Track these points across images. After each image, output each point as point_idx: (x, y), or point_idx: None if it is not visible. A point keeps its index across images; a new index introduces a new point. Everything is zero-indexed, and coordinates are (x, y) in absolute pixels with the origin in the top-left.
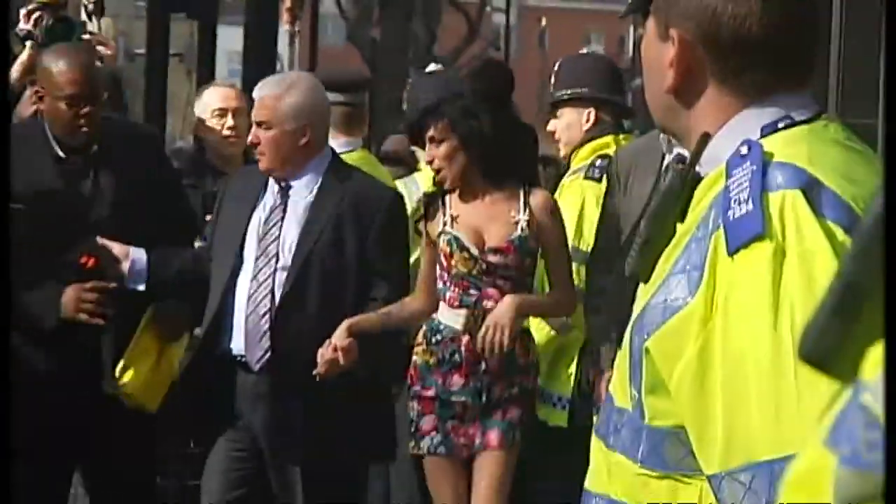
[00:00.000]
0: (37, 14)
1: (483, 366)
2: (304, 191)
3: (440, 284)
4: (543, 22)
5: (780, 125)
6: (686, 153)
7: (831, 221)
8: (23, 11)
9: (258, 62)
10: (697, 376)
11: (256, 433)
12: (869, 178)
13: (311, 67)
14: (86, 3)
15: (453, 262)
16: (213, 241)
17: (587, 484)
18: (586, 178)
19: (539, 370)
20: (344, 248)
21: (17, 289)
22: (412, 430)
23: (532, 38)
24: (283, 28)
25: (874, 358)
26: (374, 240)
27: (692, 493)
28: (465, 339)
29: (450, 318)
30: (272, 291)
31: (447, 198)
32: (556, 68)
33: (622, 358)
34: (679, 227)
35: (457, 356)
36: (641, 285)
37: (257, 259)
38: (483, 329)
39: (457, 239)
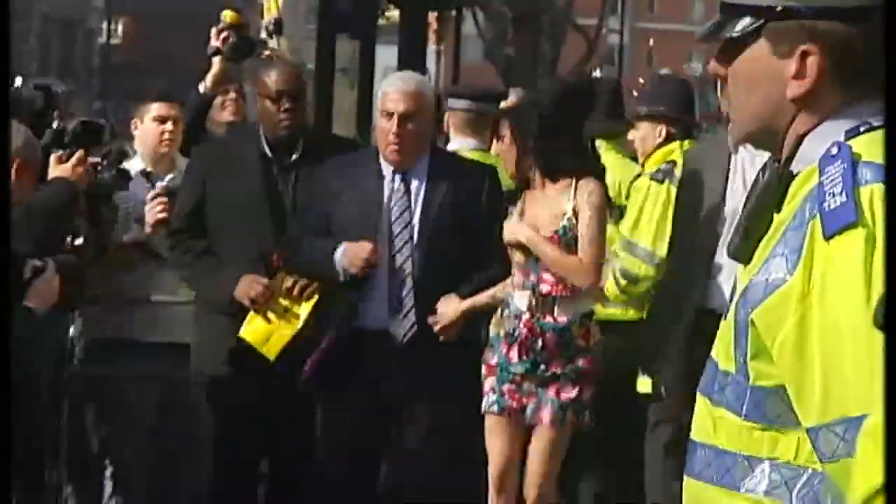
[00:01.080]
0: (224, 33)
1: (540, 343)
2: (421, 175)
3: (512, 268)
4: (651, 42)
5: (862, 129)
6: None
7: None
8: (213, 30)
9: None
10: (797, 343)
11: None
12: None
13: (454, 80)
14: (267, 24)
15: (513, 252)
16: (333, 226)
17: (693, 435)
18: (651, 178)
19: (602, 353)
20: (461, 222)
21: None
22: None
23: (642, 56)
24: (431, 47)
25: None
26: (484, 208)
27: (790, 443)
28: (526, 317)
29: (518, 298)
30: (412, 271)
31: (523, 193)
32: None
33: (726, 328)
34: (776, 216)
35: (517, 332)
36: (741, 267)
37: (393, 240)
38: (510, 230)
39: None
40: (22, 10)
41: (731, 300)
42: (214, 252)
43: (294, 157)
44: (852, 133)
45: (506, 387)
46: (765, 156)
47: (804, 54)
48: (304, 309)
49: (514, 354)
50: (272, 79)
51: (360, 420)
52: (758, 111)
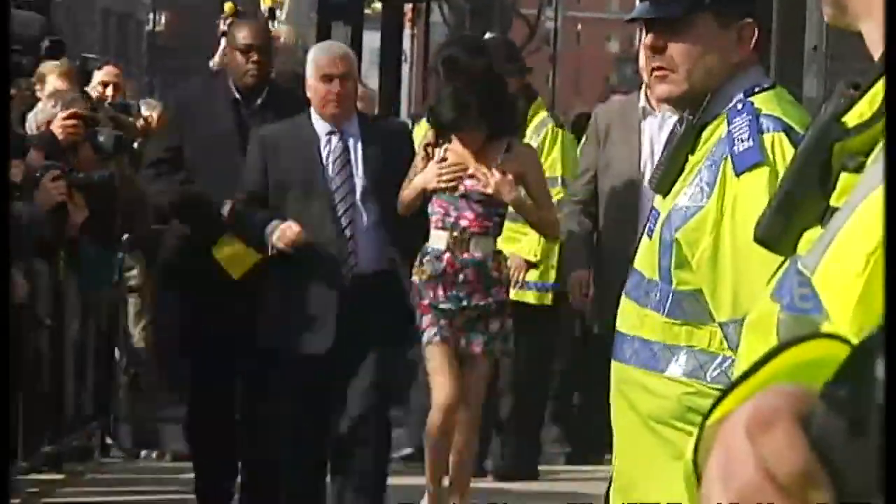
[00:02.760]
0: (229, 20)
1: (461, 277)
2: (356, 134)
3: (429, 208)
4: (579, 27)
5: (756, 89)
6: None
7: None
8: (221, 20)
9: (389, 56)
10: (713, 256)
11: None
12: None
13: (425, 58)
14: (265, 11)
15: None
16: (274, 184)
17: (621, 328)
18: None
19: (510, 283)
20: (393, 175)
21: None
22: (420, 332)
23: (571, 39)
24: (406, 32)
25: (806, 239)
26: (408, 162)
27: (704, 335)
28: (447, 256)
29: (435, 239)
30: (356, 223)
31: (444, 144)
32: None
33: (650, 246)
34: (690, 158)
35: (440, 270)
36: (659, 198)
37: (335, 192)
38: (485, 175)
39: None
40: (85, 5)
41: (651, 224)
42: (192, 182)
43: (259, 102)
44: (750, 92)
45: (442, 321)
46: (672, 120)
47: (745, 26)
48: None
49: (440, 293)
50: (241, 34)
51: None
52: (700, 75)
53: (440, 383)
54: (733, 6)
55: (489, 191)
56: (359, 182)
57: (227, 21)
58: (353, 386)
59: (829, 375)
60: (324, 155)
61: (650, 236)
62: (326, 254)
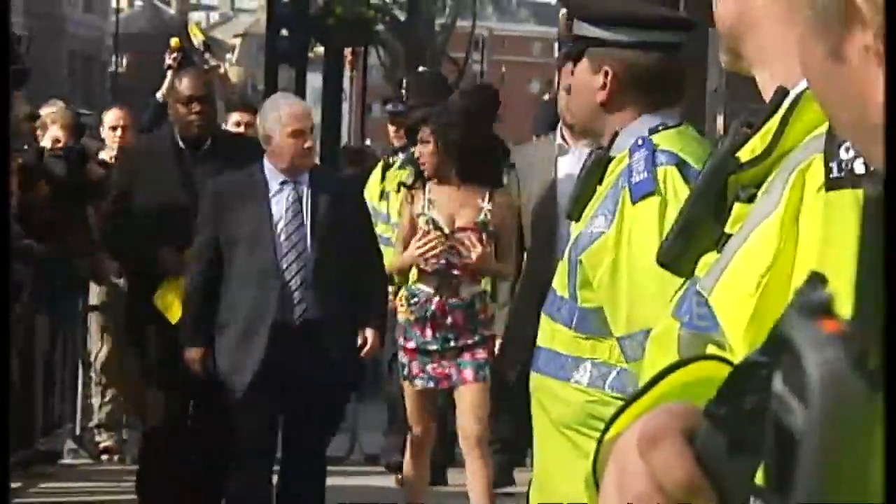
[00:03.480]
0: (174, 55)
1: (449, 320)
2: (306, 186)
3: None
4: (503, 69)
5: (660, 128)
6: (585, 150)
7: (693, 185)
8: (167, 54)
9: (331, 94)
10: (612, 277)
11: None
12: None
13: (363, 98)
14: (198, 46)
15: (429, 239)
16: (235, 232)
17: (538, 342)
18: None
19: (496, 322)
20: (342, 225)
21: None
22: (405, 373)
23: (497, 80)
24: (346, 73)
25: (703, 263)
26: (359, 211)
27: (605, 348)
28: (436, 299)
29: (424, 283)
30: (305, 272)
31: (427, 186)
32: None
33: (563, 267)
34: (599, 188)
35: (428, 312)
36: (573, 223)
37: (285, 240)
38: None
39: (433, 220)
40: (54, 48)
41: (563, 247)
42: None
43: (203, 149)
44: (653, 130)
45: (429, 367)
46: (585, 153)
47: (606, 73)
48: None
49: (428, 333)
50: (183, 85)
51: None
52: (580, 112)
53: (416, 426)
54: (601, 54)
55: (473, 260)
56: (309, 232)
57: (173, 56)
58: (295, 438)
59: (711, 394)
60: (274, 205)
61: (562, 258)
62: (274, 300)
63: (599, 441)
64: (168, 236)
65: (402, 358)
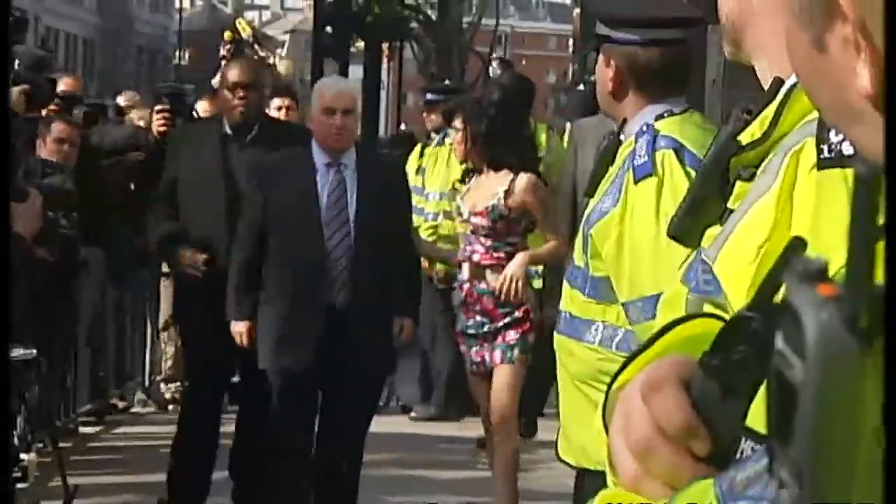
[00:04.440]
0: (227, 46)
1: (479, 305)
2: (352, 168)
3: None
4: (524, 62)
5: (665, 115)
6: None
7: (690, 168)
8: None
9: (370, 85)
10: (617, 250)
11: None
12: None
13: (399, 88)
14: (247, 38)
15: (458, 225)
16: (269, 213)
17: (560, 306)
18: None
19: (532, 302)
20: (386, 209)
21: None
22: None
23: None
24: (384, 66)
25: (708, 235)
26: (403, 196)
27: (613, 312)
28: (466, 286)
29: (462, 270)
30: (347, 254)
31: (472, 177)
32: None
33: (578, 239)
34: (611, 168)
35: (461, 299)
36: (588, 199)
37: (331, 222)
38: (501, 279)
39: (459, 207)
40: (123, 44)
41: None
42: (182, 224)
43: (250, 137)
44: (659, 117)
45: (474, 350)
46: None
47: (613, 66)
48: None
49: (465, 317)
50: (231, 73)
51: (304, 376)
52: (600, 100)
53: (480, 399)
54: (609, 50)
55: (502, 292)
56: (352, 213)
57: (227, 47)
58: (332, 416)
59: (705, 348)
60: (320, 186)
61: (580, 231)
62: (319, 281)
63: (607, 391)
64: (215, 221)
65: (459, 341)
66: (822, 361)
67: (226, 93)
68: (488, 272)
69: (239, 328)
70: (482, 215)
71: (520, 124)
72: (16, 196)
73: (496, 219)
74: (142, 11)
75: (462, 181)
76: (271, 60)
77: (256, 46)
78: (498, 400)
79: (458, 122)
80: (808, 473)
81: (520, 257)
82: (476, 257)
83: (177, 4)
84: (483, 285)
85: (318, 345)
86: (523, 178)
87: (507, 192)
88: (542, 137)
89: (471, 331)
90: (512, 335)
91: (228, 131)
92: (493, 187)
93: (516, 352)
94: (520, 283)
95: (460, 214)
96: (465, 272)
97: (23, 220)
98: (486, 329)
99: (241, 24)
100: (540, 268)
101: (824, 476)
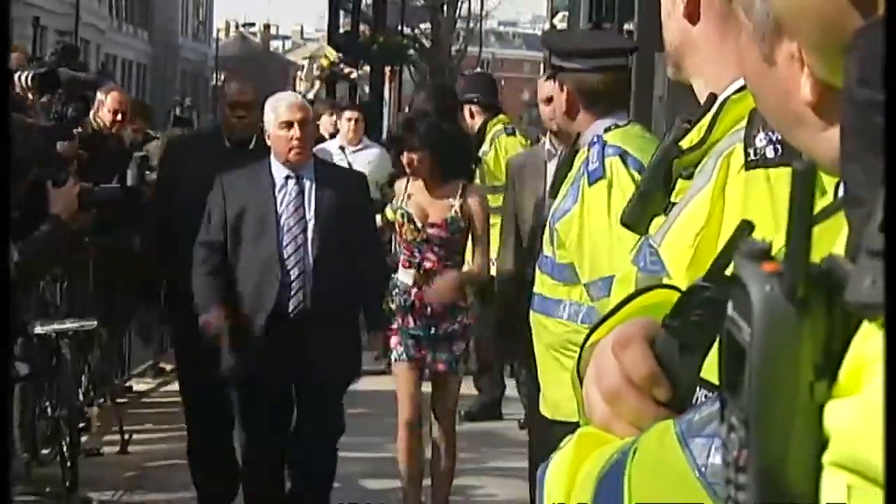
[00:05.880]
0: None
1: (429, 309)
2: (311, 178)
3: (396, 248)
4: (502, 83)
5: (612, 127)
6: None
7: (633, 170)
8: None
9: (375, 102)
10: (578, 240)
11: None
12: (653, 149)
13: (399, 105)
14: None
15: (404, 231)
16: (242, 222)
17: (534, 289)
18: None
19: (474, 310)
20: (344, 217)
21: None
22: (393, 356)
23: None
24: (386, 86)
25: (655, 224)
26: (360, 204)
27: (577, 292)
28: (414, 290)
29: (403, 275)
30: (305, 261)
31: (408, 180)
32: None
33: (546, 232)
34: (569, 174)
35: (408, 303)
36: (553, 200)
37: (287, 232)
38: (431, 292)
39: (407, 213)
40: (170, 66)
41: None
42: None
43: (249, 148)
44: (607, 129)
45: (409, 341)
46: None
47: (565, 90)
48: None
49: (409, 321)
50: (230, 92)
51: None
52: (557, 118)
53: (403, 402)
54: (562, 77)
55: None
56: (311, 223)
57: (321, 70)
58: (303, 420)
59: (666, 311)
60: (278, 198)
61: (547, 225)
62: (275, 292)
63: (581, 347)
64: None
65: (391, 342)
66: (766, 325)
67: (226, 109)
68: (437, 278)
69: (208, 319)
70: (440, 227)
71: (453, 132)
72: (55, 180)
73: (455, 231)
74: (185, 41)
75: (390, 185)
76: (353, 76)
77: (342, 66)
78: (445, 408)
79: (411, 141)
80: (753, 420)
81: (451, 280)
82: (427, 264)
83: (214, 35)
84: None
85: (277, 352)
86: (475, 192)
87: (462, 206)
88: (494, 129)
89: (414, 332)
90: (459, 346)
91: (227, 144)
92: (444, 198)
93: (460, 364)
94: (445, 299)
95: (411, 222)
96: (410, 277)
97: (58, 203)
98: (432, 332)
99: (328, 52)
100: None
101: (768, 422)
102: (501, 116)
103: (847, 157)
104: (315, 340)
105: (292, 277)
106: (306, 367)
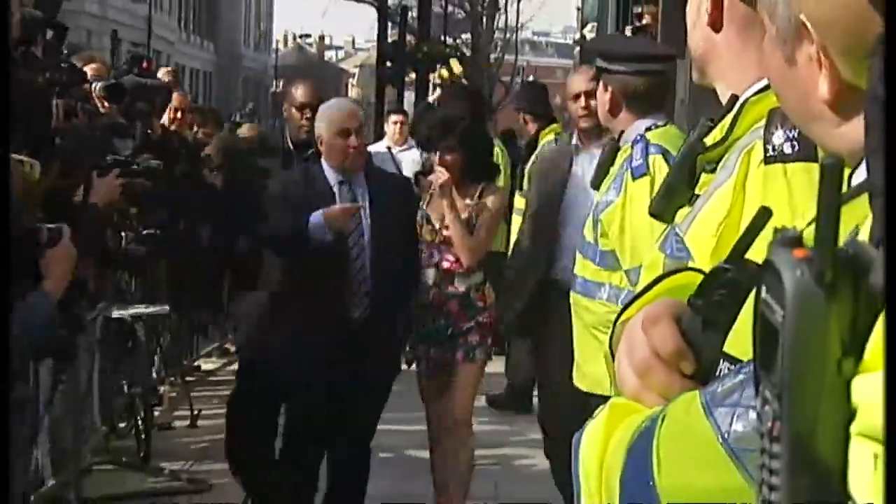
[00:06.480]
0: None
1: (446, 308)
2: (363, 185)
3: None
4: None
5: (652, 128)
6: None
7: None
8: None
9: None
10: (620, 230)
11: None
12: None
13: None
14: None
15: (423, 233)
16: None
17: (575, 272)
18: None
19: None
20: (396, 222)
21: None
22: (413, 357)
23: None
24: (431, 92)
25: (680, 214)
26: (410, 210)
27: (618, 277)
28: (433, 290)
29: (426, 273)
30: (367, 266)
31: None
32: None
33: (589, 221)
34: (611, 169)
35: (429, 300)
36: (595, 192)
37: (347, 238)
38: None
39: (427, 216)
40: (233, 75)
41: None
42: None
43: (309, 152)
44: (648, 129)
45: (432, 351)
46: (598, 153)
47: (610, 91)
48: None
49: (428, 319)
50: (298, 93)
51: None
52: (601, 117)
53: (430, 411)
54: (607, 78)
55: (435, 185)
56: (367, 229)
57: (441, 82)
58: (347, 422)
59: (691, 292)
60: (337, 203)
61: (591, 216)
62: (341, 298)
63: (614, 325)
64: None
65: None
66: (797, 308)
67: (293, 111)
68: (456, 278)
69: (329, 212)
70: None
71: (478, 136)
72: (98, 170)
73: (470, 232)
74: (247, 51)
75: (416, 182)
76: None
77: (462, 79)
78: (458, 399)
79: (447, 143)
80: (785, 394)
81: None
82: (446, 265)
83: (273, 45)
84: (451, 289)
85: (335, 357)
86: (491, 195)
87: (478, 206)
88: (546, 139)
89: (432, 334)
90: (473, 336)
91: (290, 145)
92: (462, 199)
93: (478, 352)
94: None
95: (430, 223)
96: (430, 277)
97: (100, 192)
98: (449, 332)
99: (454, 63)
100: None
101: (798, 395)
102: (554, 126)
103: (871, 150)
104: (374, 344)
105: (356, 284)
106: (361, 370)
